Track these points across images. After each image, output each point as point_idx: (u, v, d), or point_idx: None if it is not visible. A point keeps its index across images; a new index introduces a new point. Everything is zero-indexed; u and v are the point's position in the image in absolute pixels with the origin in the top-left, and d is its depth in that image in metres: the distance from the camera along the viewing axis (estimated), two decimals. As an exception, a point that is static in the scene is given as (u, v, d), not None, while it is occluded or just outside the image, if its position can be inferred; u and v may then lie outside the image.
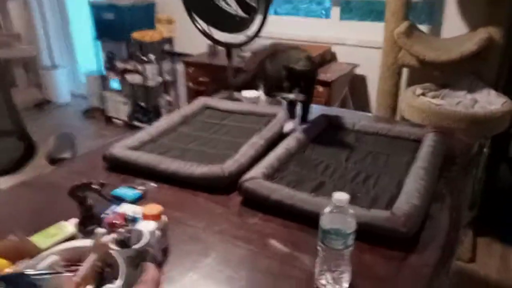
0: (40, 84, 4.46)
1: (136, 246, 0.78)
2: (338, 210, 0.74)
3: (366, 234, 0.88)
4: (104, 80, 3.84)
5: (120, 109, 3.88)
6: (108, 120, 3.98)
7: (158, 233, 0.87)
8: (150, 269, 0.43)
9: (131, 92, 3.83)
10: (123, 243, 0.78)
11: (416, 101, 2.13)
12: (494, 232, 2.33)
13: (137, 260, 0.72)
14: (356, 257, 0.83)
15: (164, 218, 0.92)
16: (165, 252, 0.91)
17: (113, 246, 0.76)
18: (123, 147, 1.31)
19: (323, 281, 0.80)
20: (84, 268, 0.69)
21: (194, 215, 1.06)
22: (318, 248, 0.79)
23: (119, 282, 0.65)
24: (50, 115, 4.27)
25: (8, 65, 4.20)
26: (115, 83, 4.01)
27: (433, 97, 2.17)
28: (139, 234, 0.81)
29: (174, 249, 0.93)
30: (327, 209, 0.76)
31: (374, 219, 0.93)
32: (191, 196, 1.14)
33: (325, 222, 0.75)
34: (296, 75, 1.36)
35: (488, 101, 2.11)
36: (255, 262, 0.90)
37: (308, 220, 0.98)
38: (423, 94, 2.19)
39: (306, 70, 1.39)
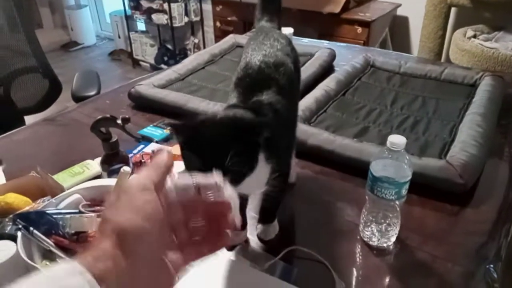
0: (66, 25, 4.38)
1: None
2: (392, 155, 0.65)
3: (416, 184, 0.78)
4: (129, 20, 3.71)
5: (147, 51, 3.77)
6: (135, 62, 3.89)
7: (187, 175, 0.80)
8: (162, 151, 0.36)
9: (157, 33, 3.70)
10: (150, 184, 0.72)
11: (467, 44, 1.93)
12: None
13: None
14: (405, 209, 0.75)
15: (194, 159, 0.85)
16: (195, 195, 0.85)
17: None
18: (149, 85, 1.24)
19: (368, 233, 0.72)
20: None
21: (225, 158, 0.98)
22: (366, 197, 0.70)
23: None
24: (76, 56, 4.21)
25: (32, 4, 4.11)
26: (141, 24, 3.87)
27: (485, 40, 1.96)
28: (168, 175, 0.74)
29: (204, 193, 0.87)
30: (379, 154, 0.66)
31: (426, 168, 0.83)
32: (221, 138, 1.06)
33: (376, 168, 0.66)
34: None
35: (549, 45, 1.90)
36: (292, 210, 0.82)
37: (350, 167, 0.90)
38: (474, 37, 1.98)
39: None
